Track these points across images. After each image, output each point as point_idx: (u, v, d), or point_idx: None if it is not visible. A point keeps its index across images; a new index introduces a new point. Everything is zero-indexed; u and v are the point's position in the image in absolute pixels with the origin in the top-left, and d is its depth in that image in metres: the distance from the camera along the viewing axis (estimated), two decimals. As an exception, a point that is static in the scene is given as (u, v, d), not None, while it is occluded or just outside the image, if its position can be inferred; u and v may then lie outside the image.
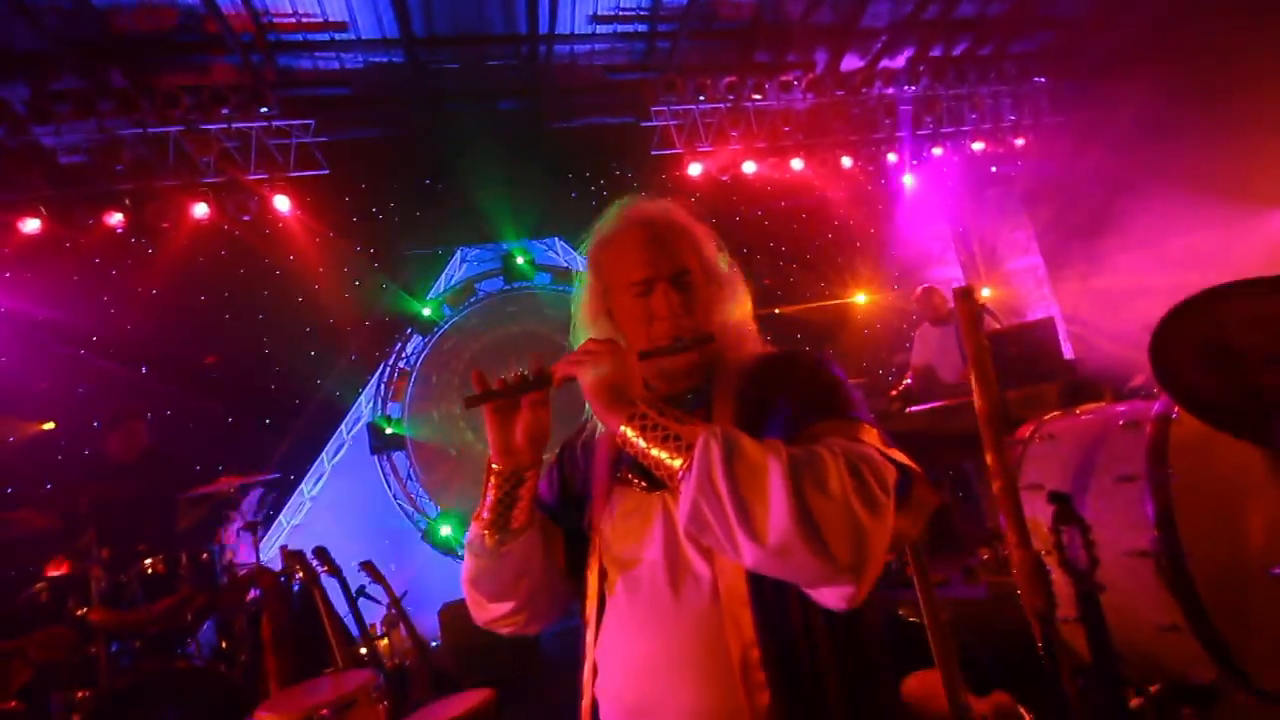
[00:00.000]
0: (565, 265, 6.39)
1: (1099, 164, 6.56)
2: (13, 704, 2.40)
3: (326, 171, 5.46)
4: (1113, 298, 5.70)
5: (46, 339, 5.36)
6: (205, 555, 2.99)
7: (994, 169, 7.19)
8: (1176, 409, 1.69)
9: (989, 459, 1.49)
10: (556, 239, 6.43)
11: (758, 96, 6.21)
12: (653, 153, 6.31)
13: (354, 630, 3.11)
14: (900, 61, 6.80)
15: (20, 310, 5.27)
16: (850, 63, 6.81)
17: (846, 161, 6.57)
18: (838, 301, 6.98)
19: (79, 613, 2.56)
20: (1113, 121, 6.64)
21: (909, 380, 4.58)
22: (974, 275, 6.99)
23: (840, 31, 6.52)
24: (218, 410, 5.45)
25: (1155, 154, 6.08)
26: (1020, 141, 7.02)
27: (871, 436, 0.93)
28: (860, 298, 6.92)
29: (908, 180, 6.87)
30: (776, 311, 7.04)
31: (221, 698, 2.46)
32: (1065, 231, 6.75)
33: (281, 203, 5.34)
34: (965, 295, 1.71)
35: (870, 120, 6.62)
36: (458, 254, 6.23)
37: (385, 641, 3.78)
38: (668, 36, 6.16)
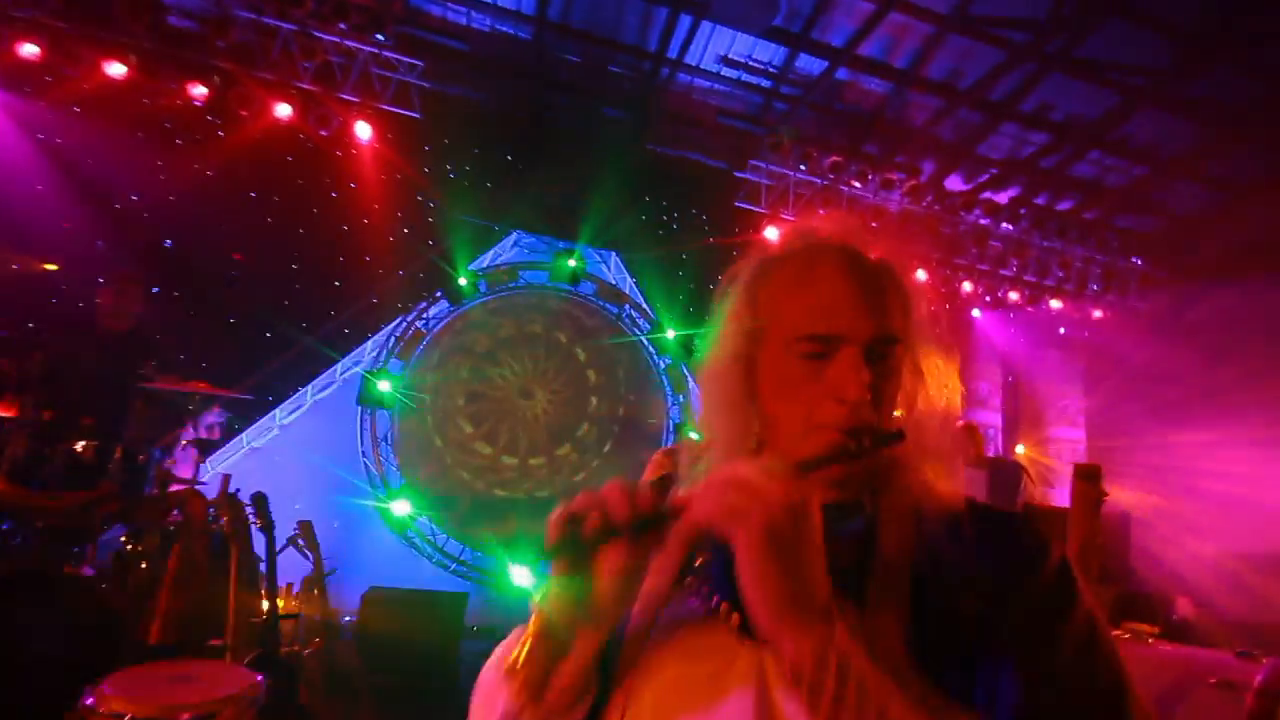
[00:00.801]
0: (613, 283, 6.20)
1: (1169, 363, 6.30)
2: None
3: (418, 115, 5.36)
4: (1152, 504, 5.36)
5: (88, 182, 5.24)
6: (141, 456, 2.73)
7: (1062, 331, 6.94)
8: (1287, 687, 1.39)
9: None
10: (613, 254, 6.25)
11: (857, 184, 6.07)
12: (736, 204, 6.17)
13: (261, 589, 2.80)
14: (1003, 197, 6.66)
15: (73, 146, 5.16)
16: (954, 183, 6.68)
17: (921, 275, 6.35)
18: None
19: None
20: (1195, 326, 6.41)
21: None
22: (1013, 430, 6.69)
23: (954, 150, 6.42)
24: (223, 307, 5.26)
25: (1229, 374, 5.82)
26: (1098, 314, 6.78)
27: None
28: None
29: (975, 314, 6.64)
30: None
31: (94, 617, 2.16)
32: (1116, 418, 6.45)
33: (363, 129, 5.23)
34: (1089, 475, 1.42)
35: (957, 243, 6.44)
36: (513, 236, 6.07)
37: (294, 604, 3.46)
38: (787, 100, 6.08)
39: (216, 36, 4.83)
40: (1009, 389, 7.01)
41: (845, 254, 0.75)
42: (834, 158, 6.03)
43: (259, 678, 1.47)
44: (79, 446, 2.56)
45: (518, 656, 0.68)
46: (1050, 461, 6.73)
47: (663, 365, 6.02)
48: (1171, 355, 6.30)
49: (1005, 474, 4.02)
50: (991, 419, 6.84)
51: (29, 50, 4.58)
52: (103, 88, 4.89)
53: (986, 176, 6.57)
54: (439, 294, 5.79)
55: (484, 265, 5.97)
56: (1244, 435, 5.35)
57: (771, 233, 6.05)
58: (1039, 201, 6.77)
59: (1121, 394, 6.55)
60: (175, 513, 2.66)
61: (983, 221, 6.35)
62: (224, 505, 2.21)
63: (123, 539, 2.80)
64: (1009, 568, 0.66)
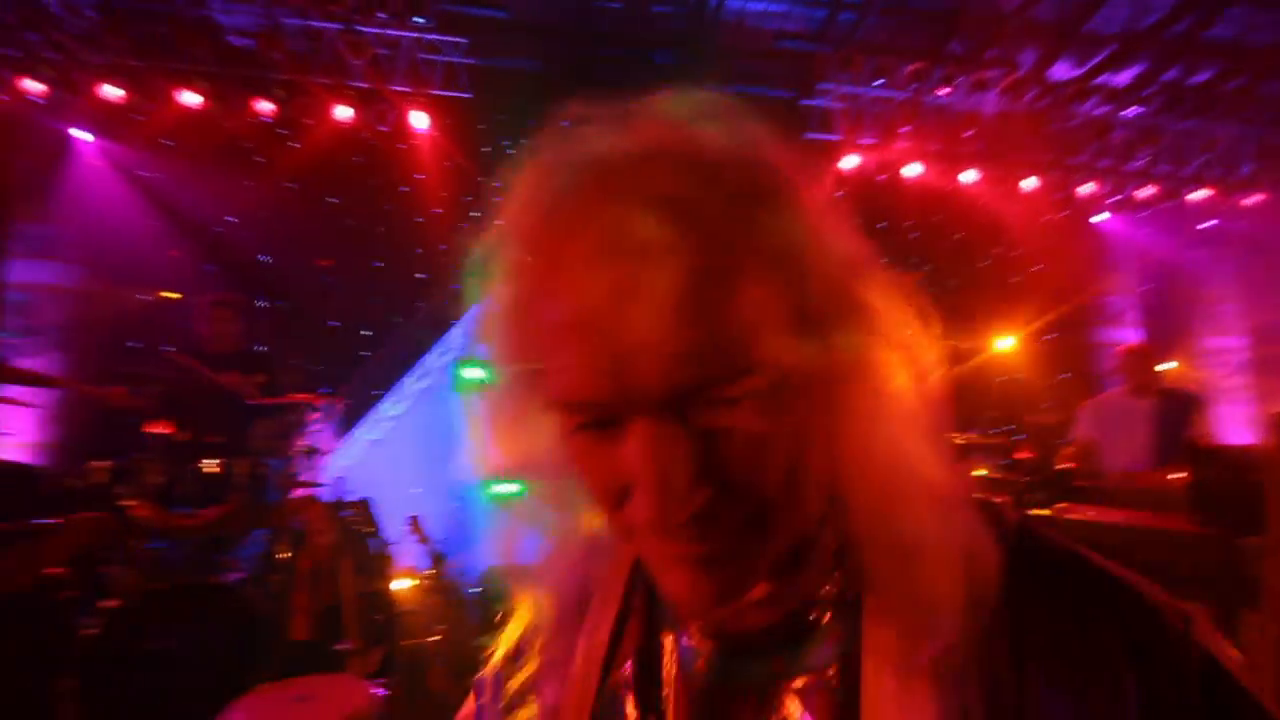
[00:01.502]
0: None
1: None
2: (57, 571, 2.40)
3: (469, 95, 5.30)
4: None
5: (184, 211, 5.61)
6: (263, 468, 2.92)
7: (1213, 223, 6.02)
8: None
9: None
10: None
11: (944, 91, 5.43)
12: (806, 135, 5.71)
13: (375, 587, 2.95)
14: (1124, 79, 5.75)
15: (164, 178, 5.52)
16: (1062, 70, 5.84)
17: (1031, 182, 5.68)
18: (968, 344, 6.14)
19: (124, 503, 2.53)
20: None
21: (1069, 462, 3.69)
22: (1156, 345, 5.95)
23: (1058, 32, 5.58)
24: (321, 312, 5.54)
25: None
26: (1254, 199, 5.81)
27: None
28: (1006, 342, 6.06)
29: (1102, 218, 5.88)
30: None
31: (245, 622, 2.36)
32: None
33: (419, 119, 5.24)
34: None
35: (1072, 141, 5.67)
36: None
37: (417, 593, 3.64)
38: (854, 8, 5.48)
39: (271, 50, 4.94)
40: (1148, 300, 6.20)
41: (610, 240, 0.36)
42: (914, 65, 5.41)
43: (378, 690, 1.52)
44: (208, 465, 2.77)
45: None
46: (1204, 377, 5.93)
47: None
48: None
49: (1174, 405, 3.48)
50: (1128, 336, 6.09)
51: (112, 92, 4.88)
52: (182, 118, 5.16)
53: (1101, 57, 5.68)
54: (516, 273, 5.82)
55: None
56: None
57: (851, 161, 5.55)
58: (1169, 77, 5.80)
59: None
60: (299, 518, 2.84)
61: (1101, 110, 5.54)
62: (335, 514, 2.32)
63: (266, 546, 3.06)
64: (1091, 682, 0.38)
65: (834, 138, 5.61)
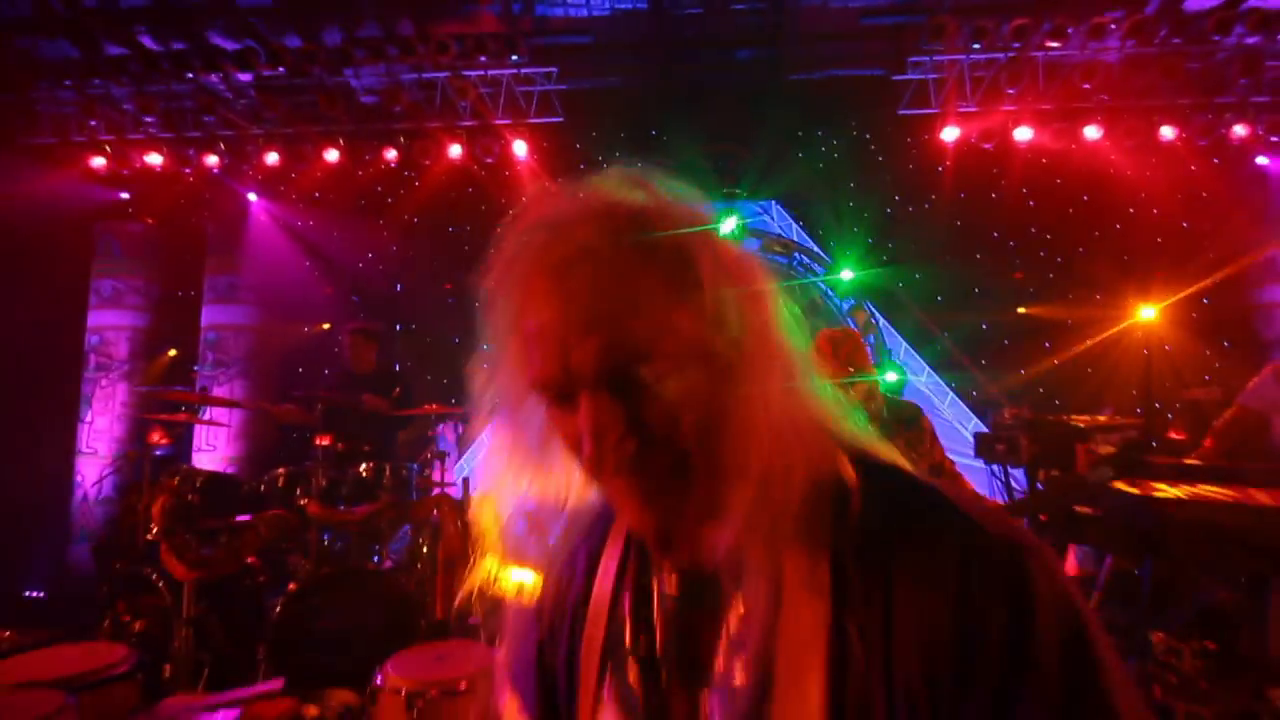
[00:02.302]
0: (778, 233, 5.96)
1: None
2: (252, 560, 2.95)
3: (561, 119, 5.66)
4: None
5: (334, 253, 6.48)
6: (405, 471, 3.37)
7: None
8: None
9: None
10: (773, 203, 6.00)
11: (1055, 44, 5.01)
12: (900, 112, 5.51)
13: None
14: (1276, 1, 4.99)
15: (315, 227, 6.41)
16: (1196, 1, 5.17)
17: (1167, 132, 5.09)
18: (1105, 311, 5.56)
19: (301, 502, 3.06)
20: None
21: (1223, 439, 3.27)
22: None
23: (1194, -43, 4.95)
24: (447, 331, 6.16)
25: None
26: None
27: None
28: (1147, 313, 5.44)
29: (1260, 163, 5.14)
30: (1021, 311, 5.89)
31: (396, 602, 2.78)
32: None
33: (519, 148, 5.69)
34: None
35: (1217, 78, 5.02)
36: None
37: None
38: (944, -28, 5.21)
39: (392, 103, 5.58)
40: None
41: (551, 276, 0.54)
42: (1017, 20, 5.03)
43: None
44: (361, 469, 3.27)
45: None
46: None
47: (845, 307, 5.66)
48: None
49: None
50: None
51: (272, 158, 5.76)
52: (326, 172, 5.98)
53: (1250, -23, 4.97)
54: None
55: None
56: None
57: (951, 133, 5.28)
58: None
59: None
60: (434, 513, 3.25)
61: (1250, 40, 4.85)
62: (460, 508, 2.67)
63: (413, 538, 3.53)
64: (939, 585, 0.50)
65: (931, 111, 5.36)
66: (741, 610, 0.57)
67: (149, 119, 5.63)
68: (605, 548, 0.70)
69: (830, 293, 5.78)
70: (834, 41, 5.67)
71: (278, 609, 2.68)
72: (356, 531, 3.09)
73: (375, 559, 3.25)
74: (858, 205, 5.64)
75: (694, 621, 0.60)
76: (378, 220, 6.57)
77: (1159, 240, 5.68)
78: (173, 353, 6.32)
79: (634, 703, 0.62)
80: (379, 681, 1.81)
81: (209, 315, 6.23)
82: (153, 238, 6.44)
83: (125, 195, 6.39)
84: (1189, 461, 2.53)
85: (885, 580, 0.51)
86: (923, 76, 5.36)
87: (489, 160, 5.88)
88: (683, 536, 0.57)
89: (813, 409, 0.58)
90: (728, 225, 5.58)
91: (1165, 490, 1.79)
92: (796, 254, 5.87)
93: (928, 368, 5.83)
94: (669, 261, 0.55)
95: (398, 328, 6.48)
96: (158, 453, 4.52)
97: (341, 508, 3.06)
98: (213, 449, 5.90)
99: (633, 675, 0.63)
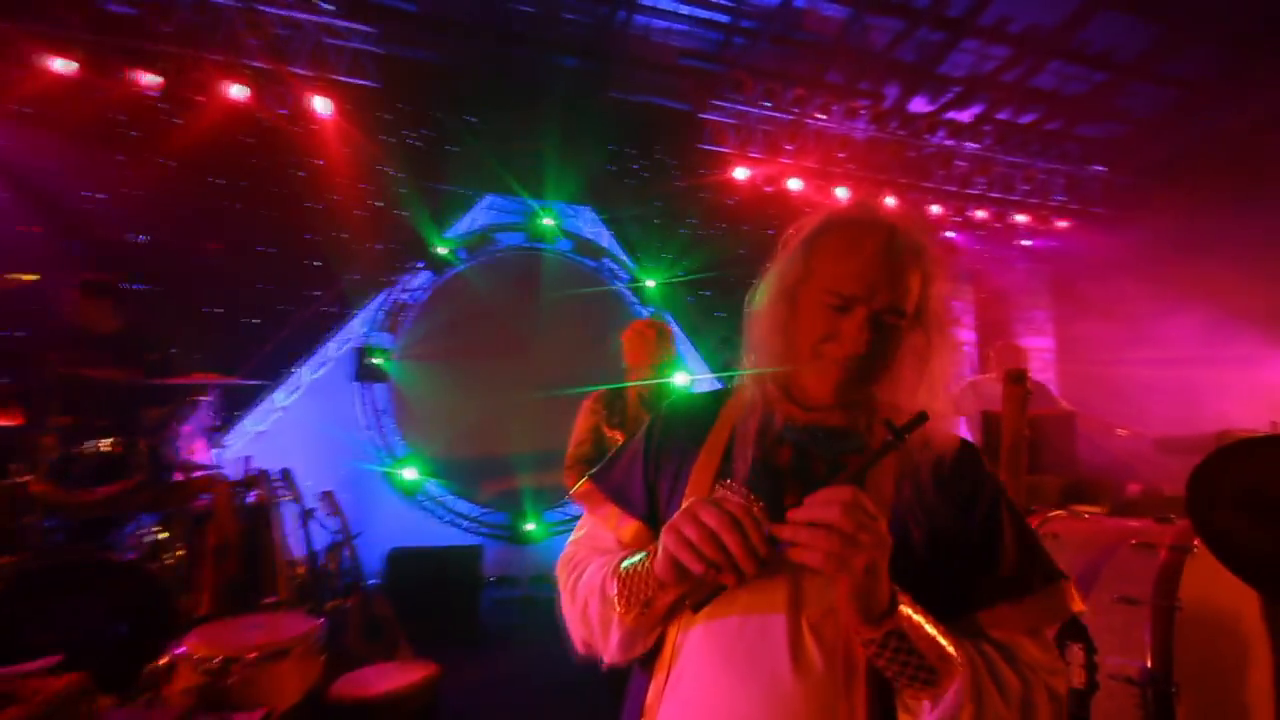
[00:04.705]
0: (590, 237, 6.26)
1: (1135, 265, 6.53)
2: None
3: (376, 84, 5.29)
4: (1116, 399, 5.68)
5: (48, 186, 5.18)
6: (164, 447, 2.89)
7: (1029, 243, 7.14)
8: (1195, 543, 1.64)
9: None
10: (587, 208, 6.29)
11: (821, 115, 6.09)
12: (701, 146, 6.19)
13: (300, 552, 3.02)
14: (967, 116, 6.71)
15: (30, 149, 5.07)
16: (918, 105, 6.71)
17: (890, 201, 6.47)
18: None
19: (20, 479, 2.44)
20: (1159, 226, 6.61)
21: None
22: (985, 344, 6.96)
23: (917, 71, 6.42)
24: (205, 298, 5.31)
25: (1194, 268, 6.06)
26: (1064, 224, 6.96)
27: (1052, 626, 0.94)
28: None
29: (946, 235, 6.80)
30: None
31: (145, 597, 2.37)
32: (1084, 323, 6.73)
33: (322, 104, 5.18)
34: (1017, 379, 1.65)
35: (924, 167, 6.54)
36: (485, 199, 6.08)
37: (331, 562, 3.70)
38: (747, 34, 6.02)
39: (158, 21, 4.71)
40: (979, 305, 7.24)
41: (887, 233, 0.93)
42: (797, 90, 6.03)
43: (320, 620, 1.67)
44: (105, 443, 2.70)
45: (630, 570, 0.89)
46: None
47: (646, 314, 6.15)
48: (1131, 256, 6.54)
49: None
50: (965, 336, 7.09)
51: (-33, 53, 4.46)
52: (52, 86, 4.79)
53: (950, 96, 6.60)
54: (420, 265, 5.85)
55: (460, 232, 6.00)
56: (1191, 328, 5.74)
57: (742, 173, 6.10)
58: (1002, 117, 6.83)
59: (1088, 300, 6.81)
60: (202, 497, 2.83)
61: (948, 142, 6.43)
62: (255, 481, 2.39)
63: (154, 527, 2.98)
64: (959, 486, 0.94)
65: (725, 150, 6.12)
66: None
67: None
68: (717, 414, 1.04)
69: (634, 300, 6.22)
70: (653, 71, 6.17)
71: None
72: (92, 517, 2.57)
73: (111, 550, 2.71)
74: (661, 223, 6.17)
75: (811, 464, 0.95)
76: (117, 156, 5.40)
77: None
78: None
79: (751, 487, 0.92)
80: (183, 650, 1.59)
81: None
82: None
83: None
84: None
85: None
86: (722, 120, 6.09)
87: (281, 112, 5.25)
88: (843, 402, 0.95)
89: (953, 378, 0.98)
90: (546, 222, 5.71)
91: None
92: (605, 259, 6.21)
93: (712, 377, 6.59)
94: (923, 256, 0.94)
95: (137, 286, 5.39)
96: None
97: (76, 487, 2.52)
98: None
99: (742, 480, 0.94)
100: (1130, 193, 7.04)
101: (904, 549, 0.82)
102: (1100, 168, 7.08)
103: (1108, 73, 6.42)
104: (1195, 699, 1.45)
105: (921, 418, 0.81)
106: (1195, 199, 6.09)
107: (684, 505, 0.84)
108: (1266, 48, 5.51)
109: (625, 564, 0.90)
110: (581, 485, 1.09)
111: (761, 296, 1.02)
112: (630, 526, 1.01)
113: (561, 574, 1.03)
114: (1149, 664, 1.50)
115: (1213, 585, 1.54)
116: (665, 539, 0.80)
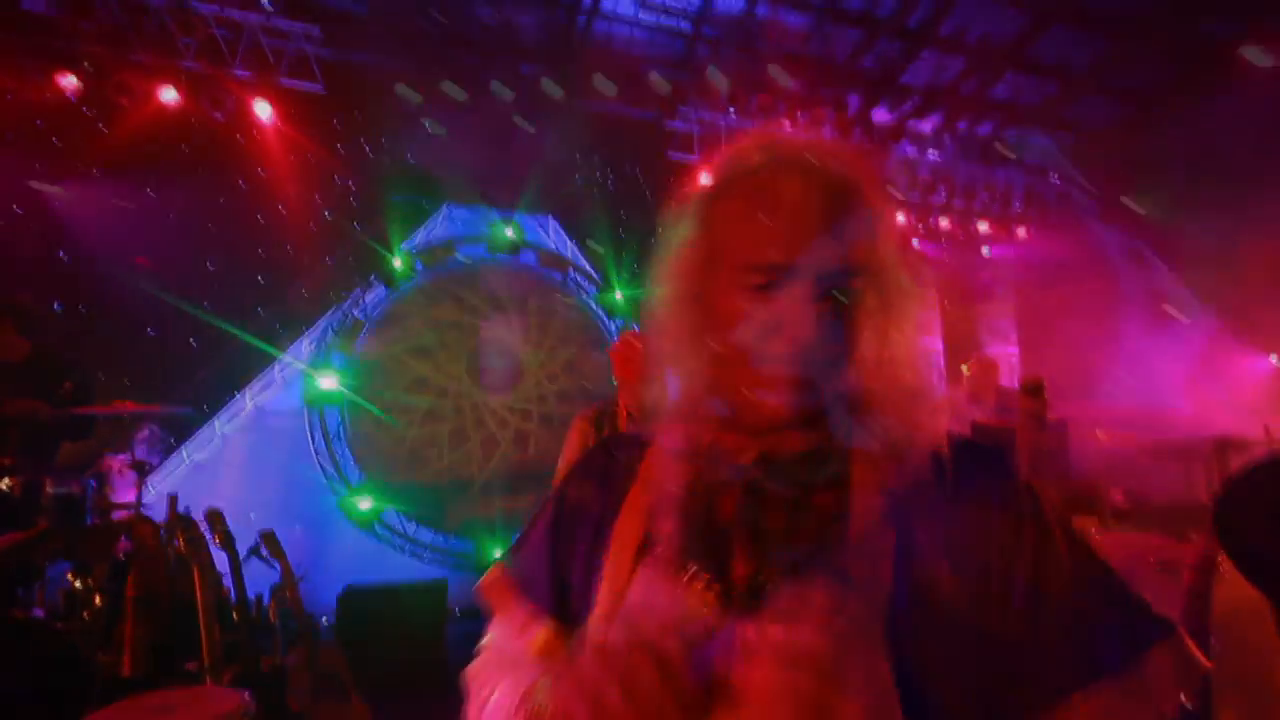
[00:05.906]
0: (553, 248, 6.05)
1: (1094, 270, 6.67)
2: None
3: (320, 88, 5.00)
4: (1080, 406, 5.75)
5: (-45, 195, 4.71)
6: (76, 487, 2.55)
7: (989, 251, 7.24)
8: (1220, 561, 1.53)
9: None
10: (550, 218, 6.08)
11: (786, 123, 6.05)
12: (668, 154, 6.07)
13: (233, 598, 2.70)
14: (927, 126, 6.77)
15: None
16: (880, 115, 6.74)
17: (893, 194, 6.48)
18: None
19: None
20: (1116, 231, 6.78)
21: None
22: (952, 353, 7.00)
23: (878, 81, 6.45)
24: (135, 317, 4.89)
25: (1152, 273, 6.22)
26: (1023, 232, 7.08)
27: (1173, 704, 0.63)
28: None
29: (914, 242, 6.82)
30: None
31: (53, 660, 2.04)
32: (1047, 330, 6.83)
33: (263, 109, 4.86)
34: (1034, 391, 1.52)
35: (888, 176, 6.54)
36: (444, 210, 5.81)
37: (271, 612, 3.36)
38: (710, 42, 5.95)
39: (79, 18, 4.34)
40: (943, 314, 7.29)
41: (805, 169, 0.66)
42: (762, 98, 5.97)
43: (245, 694, 1.41)
44: (4, 484, 2.35)
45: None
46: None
47: (615, 327, 5.96)
48: (1090, 264, 6.68)
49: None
50: (933, 345, 7.10)
51: None
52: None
53: (910, 106, 6.65)
54: (374, 279, 5.53)
55: (417, 244, 5.72)
56: (1145, 334, 5.88)
57: (708, 180, 5.99)
58: (961, 126, 6.92)
59: (1050, 307, 6.92)
60: (124, 541, 2.50)
61: (910, 151, 6.46)
62: (176, 526, 2.09)
63: (69, 575, 2.63)
64: (990, 507, 0.65)
65: (692, 158, 6.01)
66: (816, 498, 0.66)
67: None
68: (637, 468, 0.75)
69: (601, 312, 6.02)
70: (615, 79, 6.03)
71: None
72: (-10, 573, 2.22)
73: (20, 607, 2.36)
74: (627, 233, 6.01)
75: (768, 501, 0.67)
76: (33, 164, 4.96)
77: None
78: None
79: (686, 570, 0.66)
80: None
81: None
82: None
83: None
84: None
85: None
86: (688, 128, 5.99)
87: (217, 116, 4.91)
88: (804, 414, 0.66)
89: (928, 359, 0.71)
90: (508, 233, 5.48)
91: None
92: (571, 270, 6.00)
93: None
94: (860, 190, 0.66)
95: (56, 306, 4.94)
96: None
97: (-35, 541, 2.17)
98: None
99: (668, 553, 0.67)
100: (1084, 201, 7.22)
101: (928, 620, 0.59)
102: (1055, 178, 7.24)
103: (1059, 83, 6.57)
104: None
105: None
106: (1146, 207, 6.26)
107: (585, 638, 0.64)
108: (1214, 59, 5.69)
109: (534, 700, 0.66)
110: (490, 572, 0.81)
111: (659, 303, 0.73)
112: (541, 632, 0.74)
113: (468, 695, 0.76)
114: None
115: (1248, 612, 1.43)
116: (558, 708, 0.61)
